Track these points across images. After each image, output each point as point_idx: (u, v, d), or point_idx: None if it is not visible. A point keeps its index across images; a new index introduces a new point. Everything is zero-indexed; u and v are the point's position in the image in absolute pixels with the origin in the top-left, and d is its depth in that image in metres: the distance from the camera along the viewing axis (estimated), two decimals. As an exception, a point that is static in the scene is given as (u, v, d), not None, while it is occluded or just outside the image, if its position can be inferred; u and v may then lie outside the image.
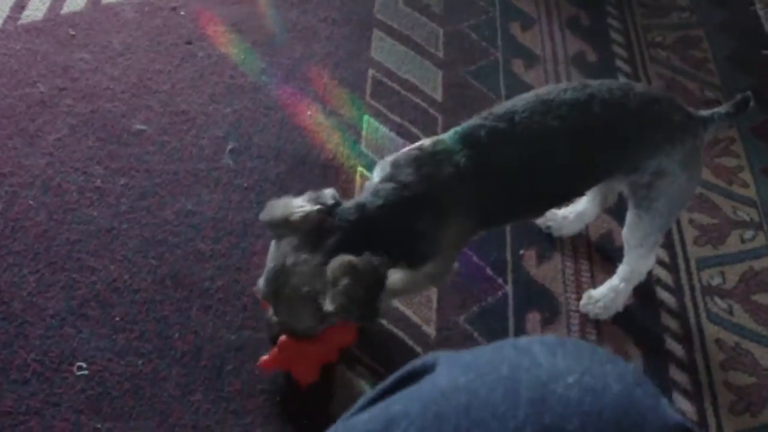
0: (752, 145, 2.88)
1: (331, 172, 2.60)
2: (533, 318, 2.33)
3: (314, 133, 2.71)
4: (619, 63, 3.14)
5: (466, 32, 3.20)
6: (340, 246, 1.78)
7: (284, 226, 1.84)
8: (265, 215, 1.89)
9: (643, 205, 2.07)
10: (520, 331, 2.29)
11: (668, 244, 2.54)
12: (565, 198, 2.18)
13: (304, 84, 2.87)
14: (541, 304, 2.37)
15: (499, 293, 2.37)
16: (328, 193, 1.88)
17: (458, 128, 1.93)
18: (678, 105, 2.01)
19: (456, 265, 2.07)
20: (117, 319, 2.16)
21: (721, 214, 2.64)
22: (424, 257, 1.91)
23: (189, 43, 2.95)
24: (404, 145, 2.66)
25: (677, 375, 2.26)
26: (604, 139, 1.95)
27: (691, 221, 2.61)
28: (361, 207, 1.84)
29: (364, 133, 2.75)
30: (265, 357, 2.00)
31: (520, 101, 1.93)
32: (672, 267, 2.48)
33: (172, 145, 2.59)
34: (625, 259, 2.26)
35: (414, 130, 2.77)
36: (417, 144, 1.95)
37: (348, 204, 1.87)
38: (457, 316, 2.30)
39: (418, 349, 2.21)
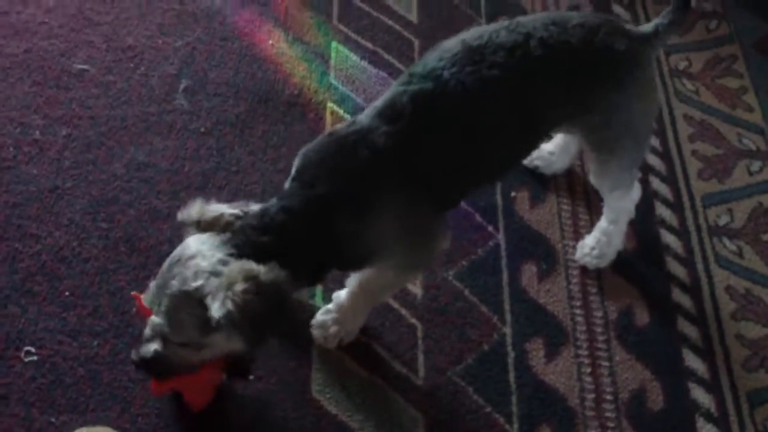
0: (756, 63, 2.68)
1: (297, 110, 2.36)
2: (529, 270, 2.14)
3: (277, 65, 2.47)
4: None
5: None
6: (245, 249, 1.54)
7: (196, 226, 1.60)
8: (181, 214, 1.63)
9: (604, 148, 1.90)
10: (514, 286, 2.11)
11: (671, 180, 2.35)
12: (517, 158, 1.95)
13: (263, 8, 2.61)
14: (537, 253, 2.18)
15: (490, 243, 2.17)
16: (254, 207, 1.64)
17: (377, 102, 1.69)
18: (620, 29, 1.80)
19: (446, 243, 1.82)
20: (66, 293, 1.95)
21: (725, 143, 2.45)
22: (364, 258, 1.68)
23: (132, -34, 2.66)
24: (377, 75, 2.46)
25: (686, 328, 2.10)
26: (549, 83, 1.73)
27: (694, 152, 2.42)
28: (264, 212, 1.60)
29: (332, 62, 2.51)
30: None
31: (446, 53, 1.68)
32: (676, 206, 2.30)
33: (118, 86, 2.33)
34: (606, 202, 2.08)
35: (387, 57, 2.54)
36: (329, 130, 1.75)
37: (256, 209, 1.63)
38: (445, 272, 2.10)
39: (404, 311, 2.01)
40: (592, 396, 1.96)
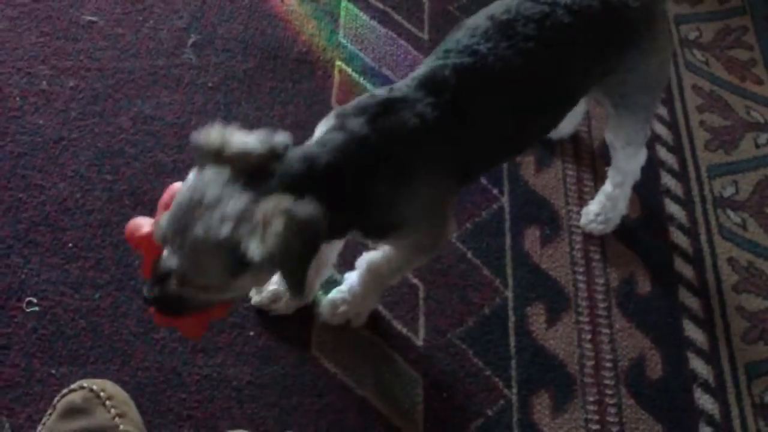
0: (767, 36, 2.64)
1: (305, 68, 2.34)
2: (532, 234, 2.14)
3: (286, 21, 2.45)
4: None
5: None
6: (279, 186, 1.43)
7: (215, 157, 1.44)
8: (199, 138, 1.46)
9: (622, 104, 1.89)
10: (517, 250, 2.10)
11: (677, 149, 2.34)
12: (552, 126, 1.91)
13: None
14: (541, 218, 2.18)
15: (495, 206, 2.17)
16: (281, 139, 1.49)
17: (415, 74, 1.64)
18: None
19: (452, 232, 1.81)
20: (70, 245, 1.94)
21: (733, 115, 2.44)
22: (387, 228, 1.63)
23: None
24: (386, 35, 2.45)
25: (687, 299, 2.10)
26: (580, 50, 1.71)
27: (701, 123, 2.40)
28: (309, 158, 1.48)
29: (342, 21, 2.49)
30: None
31: (477, 30, 1.65)
32: (681, 175, 2.29)
33: (127, 38, 2.32)
34: (614, 163, 2.07)
35: (397, 17, 2.52)
36: (367, 94, 1.65)
37: (294, 149, 1.50)
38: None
39: (408, 275, 2.00)
40: (591, 363, 1.96)
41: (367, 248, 1.85)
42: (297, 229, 1.36)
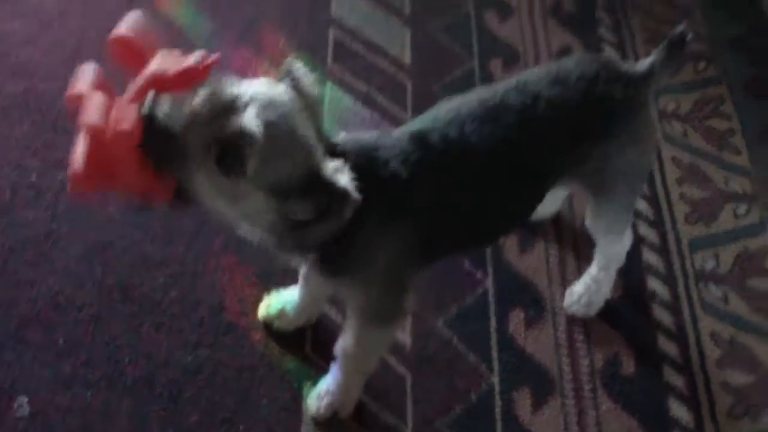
0: (744, 105, 2.68)
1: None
2: (516, 317, 2.17)
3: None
4: (599, 13, 2.91)
5: (432, -19, 2.94)
6: None
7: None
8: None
9: (601, 193, 1.91)
10: (502, 333, 2.13)
11: (658, 223, 2.38)
12: (524, 214, 1.93)
13: (258, 49, 2.63)
14: (525, 300, 2.20)
15: (479, 289, 2.20)
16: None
17: (405, 127, 1.70)
18: (617, 73, 1.79)
19: (410, 308, 1.82)
20: (61, 342, 1.98)
21: (712, 186, 2.47)
22: (342, 264, 1.62)
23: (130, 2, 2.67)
24: (371, 117, 2.49)
25: (672, 377, 2.12)
26: (557, 142, 1.75)
27: (681, 195, 2.43)
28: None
29: (327, 104, 2.52)
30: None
31: (464, 106, 1.70)
32: (663, 251, 2.32)
33: (115, 129, 2.34)
34: (598, 248, 2.10)
35: (381, 99, 2.56)
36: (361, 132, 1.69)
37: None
38: (434, 320, 2.13)
39: (393, 360, 2.05)
40: (578, 446, 1.99)
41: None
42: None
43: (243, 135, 1.33)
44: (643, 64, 1.83)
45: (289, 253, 1.62)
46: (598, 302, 2.16)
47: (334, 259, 1.61)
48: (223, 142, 1.34)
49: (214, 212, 1.48)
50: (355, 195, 1.40)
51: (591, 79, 1.75)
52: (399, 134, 1.66)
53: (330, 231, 1.48)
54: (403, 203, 1.62)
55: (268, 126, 1.34)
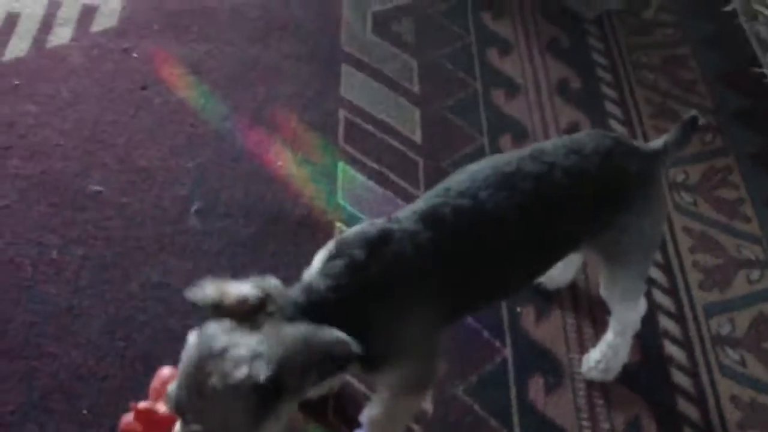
0: (752, 174, 2.73)
1: (306, 230, 2.41)
2: (536, 384, 2.17)
3: (286, 185, 2.52)
4: (605, 89, 2.97)
5: (441, 62, 3.01)
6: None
7: (215, 310, 1.46)
8: (194, 294, 1.48)
9: (615, 261, 1.94)
10: (522, 400, 2.13)
11: (672, 291, 2.39)
12: (537, 276, 1.97)
13: (271, 129, 2.68)
14: (544, 367, 2.21)
15: (498, 358, 2.20)
16: (273, 282, 1.55)
17: (415, 207, 1.71)
18: (630, 149, 1.86)
19: (441, 371, 1.84)
20: (84, 412, 1.98)
21: (725, 254, 2.49)
22: (380, 357, 1.64)
23: (144, 88, 2.74)
24: (384, 195, 2.51)
25: (694, 441, 2.11)
26: (571, 210, 1.79)
27: (695, 264, 2.46)
28: (307, 289, 1.55)
29: (339, 182, 2.56)
30: None
31: (479, 174, 1.74)
32: (679, 317, 2.33)
33: (133, 207, 2.39)
34: (613, 315, 2.11)
35: (393, 177, 2.59)
36: (367, 222, 1.71)
37: (291, 287, 1.58)
38: (455, 388, 2.13)
39: (416, 428, 2.04)
40: None
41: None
42: (308, 352, 1.41)
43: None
44: (658, 142, 1.90)
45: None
46: (616, 367, 2.17)
47: (374, 355, 1.61)
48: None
49: None
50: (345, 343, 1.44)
51: (606, 152, 1.80)
52: (406, 215, 1.68)
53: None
54: (424, 285, 1.65)
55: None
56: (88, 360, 2.06)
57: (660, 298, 2.37)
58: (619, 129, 2.81)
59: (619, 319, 2.10)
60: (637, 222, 1.85)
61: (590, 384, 2.17)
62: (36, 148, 2.51)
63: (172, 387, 1.47)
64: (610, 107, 2.90)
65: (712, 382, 2.21)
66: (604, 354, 2.15)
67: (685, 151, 2.68)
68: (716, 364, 2.25)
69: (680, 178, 2.69)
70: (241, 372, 1.36)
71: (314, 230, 2.41)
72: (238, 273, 2.17)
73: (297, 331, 1.43)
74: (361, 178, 2.58)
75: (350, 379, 2.08)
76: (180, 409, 1.45)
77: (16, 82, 2.71)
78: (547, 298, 2.33)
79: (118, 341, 2.10)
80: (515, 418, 2.09)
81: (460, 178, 1.75)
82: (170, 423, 1.55)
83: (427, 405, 2.08)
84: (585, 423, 2.11)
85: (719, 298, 2.40)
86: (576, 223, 1.81)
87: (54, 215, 2.34)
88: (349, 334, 1.49)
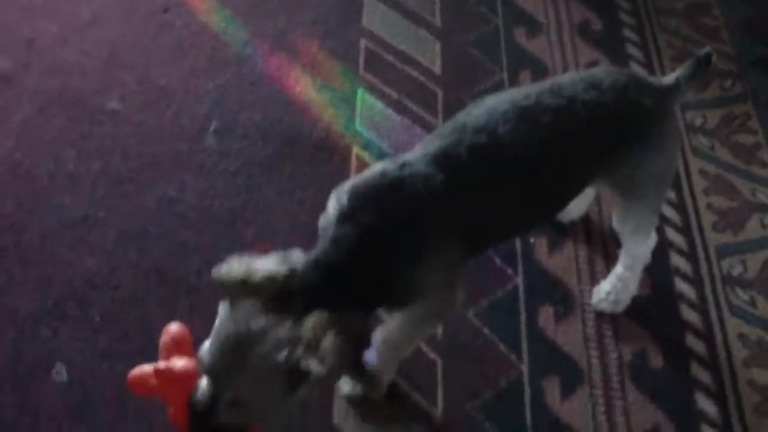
0: (769, 121, 2.72)
1: (323, 154, 2.41)
2: (546, 312, 2.18)
3: (304, 109, 2.52)
4: (626, 32, 2.96)
5: (463, -5, 3.00)
6: (308, 308, 1.50)
7: (242, 289, 1.51)
8: (220, 273, 1.53)
9: (629, 195, 1.95)
10: (532, 326, 2.14)
11: (686, 230, 2.39)
12: (556, 211, 2.01)
13: (291, 55, 2.68)
14: (555, 296, 2.22)
15: (510, 285, 2.21)
16: (297, 255, 1.58)
17: (428, 148, 1.70)
18: (645, 85, 1.85)
19: (460, 301, 1.83)
20: (97, 318, 2.01)
21: (740, 197, 2.49)
22: (407, 298, 1.68)
23: (166, 11, 2.74)
24: (401, 123, 2.51)
25: (699, 373, 2.12)
26: (590, 143, 1.79)
27: (709, 206, 2.45)
28: (321, 264, 1.57)
29: (358, 109, 2.56)
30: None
31: (497, 110, 1.72)
32: (690, 256, 2.33)
33: (150, 124, 2.40)
34: (624, 248, 2.12)
35: (412, 105, 2.59)
36: (378, 168, 1.69)
37: (308, 260, 1.58)
38: (466, 311, 2.14)
39: (425, 347, 2.06)
40: (606, 434, 2.00)
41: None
42: (346, 337, 1.45)
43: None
44: (670, 77, 1.89)
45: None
46: (625, 300, 2.18)
47: (398, 300, 1.68)
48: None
49: None
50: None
51: (622, 88, 1.79)
52: (418, 157, 1.67)
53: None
54: (440, 229, 1.65)
55: None
56: (102, 269, 2.08)
57: (673, 236, 2.37)
58: (640, 72, 2.80)
59: (630, 252, 2.11)
60: (652, 157, 1.85)
61: (600, 316, 2.18)
62: (55, 65, 2.51)
63: (204, 351, 1.53)
64: (631, 49, 2.89)
65: (721, 320, 2.22)
66: (614, 286, 2.16)
67: (704, 95, 2.71)
68: (726, 303, 2.25)
69: (698, 122, 2.68)
70: (282, 356, 1.45)
71: (331, 154, 2.42)
72: (254, 193, 2.23)
73: (327, 316, 1.47)
74: (380, 105, 2.58)
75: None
76: (213, 375, 1.51)
77: (36, 1, 2.70)
78: (561, 230, 2.33)
79: (131, 252, 2.12)
80: (524, 344, 2.11)
81: (477, 113, 1.73)
82: (186, 380, 1.59)
83: (437, 329, 2.09)
84: (593, 353, 2.12)
85: (732, 239, 2.40)
86: (593, 158, 1.81)
87: (71, 130, 2.35)
88: (371, 291, 1.59)
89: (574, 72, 1.89)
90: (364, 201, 1.61)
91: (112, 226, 2.16)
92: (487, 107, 1.74)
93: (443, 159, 1.66)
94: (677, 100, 1.92)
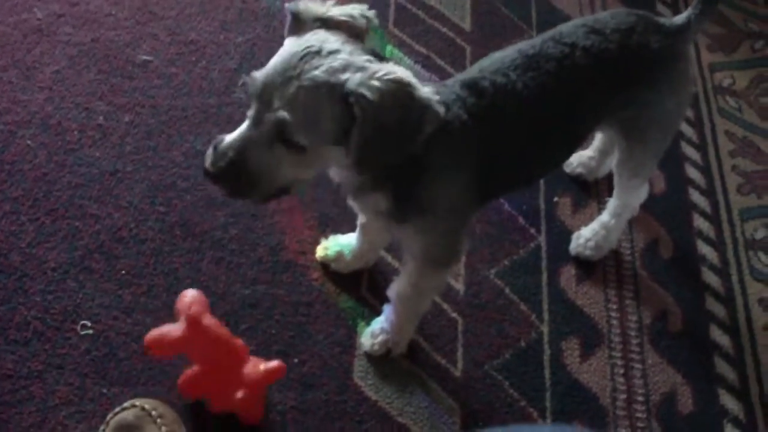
0: (800, 84, 2.71)
1: (350, 110, 2.41)
2: (567, 272, 2.20)
3: (333, 64, 2.51)
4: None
5: (494, -47, 2.98)
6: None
7: (320, 23, 1.47)
8: (297, 5, 1.48)
9: (634, 137, 1.96)
10: (553, 286, 2.16)
11: (710, 193, 2.40)
12: (567, 153, 2.04)
13: None
14: (577, 256, 2.23)
15: (532, 245, 2.23)
16: (372, 12, 1.56)
17: (457, 77, 1.73)
18: (654, 24, 1.85)
19: (464, 251, 1.87)
20: (123, 272, 2.02)
21: (765, 161, 2.49)
22: (410, 207, 1.66)
23: (197, -38, 2.74)
24: (430, 79, 2.52)
25: (718, 337, 2.15)
26: (593, 88, 1.80)
27: (734, 167, 2.46)
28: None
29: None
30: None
31: (507, 58, 1.75)
32: (714, 218, 2.35)
33: (180, 77, 2.41)
34: (616, 193, 2.15)
35: (440, 62, 2.60)
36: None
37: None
38: (487, 270, 2.16)
39: (446, 306, 2.08)
40: (623, 396, 2.01)
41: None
42: (405, 97, 1.41)
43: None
44: (681, 17, 1.89)
45: (365, 193, 1.68)
46: (606, 248, 2.22)
47: (402, 204, 1.66)
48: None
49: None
50: (438, 107, 1.44)
51: (626, 30, 1.80)
52: (451, 83, 1.71)
53: (407, 153, 1.49)
54: (464, 144, 1.66)
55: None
56: (129, 223, 2.10)
57: (696, 198, 2.39)
58: (665, 11, 2.79)
59: (621, 199, 2.14)
60: (660, 99, 1.87)
61: (621, 276, 2.20)
62: (87, 16, 2.52)
63: (259, 74, 1.44)
64: (661, 8, 2.88)
65: (742, 284, 2.23)
66: (595, 233, 2.20)
67: (733, 56, 2.69)
68: (747, 267, 2.27)
69: (727, 82, 2.68)
70: (345, 75, 1.39)
71: (358, 110, 2.42)
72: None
73: (403, 72, 1.43)
74: (408, 61, 2.58)
75: (383, 254, 2.12)
76: (266, 91, 1.43)
77: (70, -49, 2.72)
78: (585, 190, 2.35)
79: (158, 206, 2.14)
80: (545, 304, 2.13)
81: (488, 62, 1.76)
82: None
83: (459, 285, 2.11)
84: (614, 314, 2.14)
85: (756, 203, 2.41)
86: (598, 101, 1.83)
87: (102, 82, 2.36)
88: (400, 177, 1.60)
89: (581, 18, 1.88)
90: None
91: (139, 180, 2.18)
92: (497, 57, 1.77)
93: (473, 86, 1.69)
94: (689, 39, 1.93)
